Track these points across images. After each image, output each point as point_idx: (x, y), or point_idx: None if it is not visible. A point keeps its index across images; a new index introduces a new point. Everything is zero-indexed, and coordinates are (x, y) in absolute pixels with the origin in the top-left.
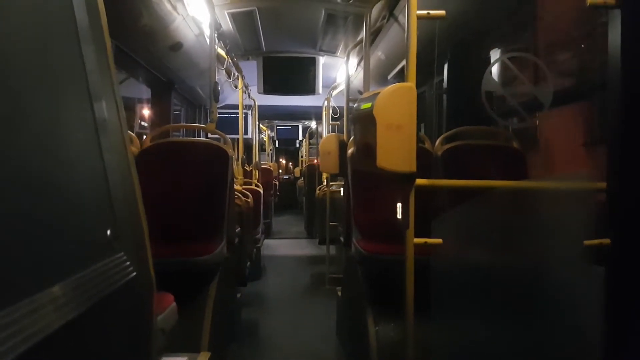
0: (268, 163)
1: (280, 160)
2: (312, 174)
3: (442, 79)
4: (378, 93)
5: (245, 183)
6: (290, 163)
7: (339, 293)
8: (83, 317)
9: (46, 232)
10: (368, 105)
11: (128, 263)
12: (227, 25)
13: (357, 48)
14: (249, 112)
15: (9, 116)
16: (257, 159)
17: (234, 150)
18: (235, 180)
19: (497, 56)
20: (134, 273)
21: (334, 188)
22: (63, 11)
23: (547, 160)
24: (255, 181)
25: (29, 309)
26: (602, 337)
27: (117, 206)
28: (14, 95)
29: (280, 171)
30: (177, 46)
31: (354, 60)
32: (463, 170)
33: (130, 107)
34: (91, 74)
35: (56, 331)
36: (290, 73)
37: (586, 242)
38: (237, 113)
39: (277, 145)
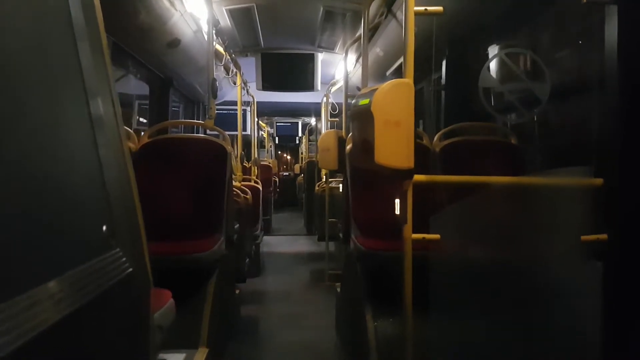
0: (267, 160)
1: (284, 155)
2: (312, 170)
3: (440, 75)
4: (376, 89)
5: (244, 180)
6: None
7: (338, 289)
8: (79, 313)
9: (41, 228)
10: (366, 101)
11: (124, 259)
12: (225, 21)
13: (356, 44)
14: (248, 108)
15: (3, 113)
16: (256, 156)
17: (232, 146)
18: (234, 176)
19: (495, 52)
20: (130, 269)
21: (333, 184)
22: (58, 8)
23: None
24: (254, 178)
25: (25, 304)
26: (600, 331)
27: (113, 202)
28: (8, 92)
29: (285, 166)
30: (175, 43)
31: (352, 56)
32: (461, 166)
33: (128, 103)
34: (87, 71)
35: (52, 327)
36: (288, 69)
37: (583, 238)
38: (236, 109)
39: (277, 141)
